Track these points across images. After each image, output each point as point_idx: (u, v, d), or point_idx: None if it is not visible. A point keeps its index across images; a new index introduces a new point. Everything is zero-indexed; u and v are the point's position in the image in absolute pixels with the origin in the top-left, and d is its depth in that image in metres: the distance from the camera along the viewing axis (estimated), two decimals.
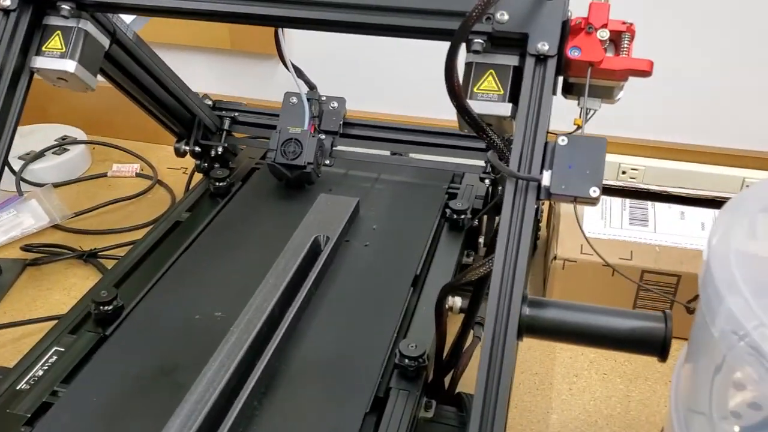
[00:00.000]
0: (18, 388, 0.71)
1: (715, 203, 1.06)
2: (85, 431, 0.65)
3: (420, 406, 0.71)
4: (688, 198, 1.08)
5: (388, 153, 1.10)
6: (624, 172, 1.25)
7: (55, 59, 0.75)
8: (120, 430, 0.65)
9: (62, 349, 0.76)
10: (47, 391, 0.70)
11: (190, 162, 1.16)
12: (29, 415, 0.67)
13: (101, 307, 0.78)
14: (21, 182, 1.27)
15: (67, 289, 1.07)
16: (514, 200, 0.59)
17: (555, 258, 0.99)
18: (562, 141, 0.59)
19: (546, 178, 0.58)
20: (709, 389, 0.54)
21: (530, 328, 0.63)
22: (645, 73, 0.62)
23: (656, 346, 0.61)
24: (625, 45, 0.63)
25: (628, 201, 1.07)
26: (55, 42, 0.75)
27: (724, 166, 1.22)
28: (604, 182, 1.14)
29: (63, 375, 0.72)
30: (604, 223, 1.02)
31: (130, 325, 0.78)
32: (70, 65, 0.74)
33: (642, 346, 0.62)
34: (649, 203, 1.06)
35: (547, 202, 1.19)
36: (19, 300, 1.05)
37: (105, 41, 0.80)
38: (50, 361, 0.74)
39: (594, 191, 0.58)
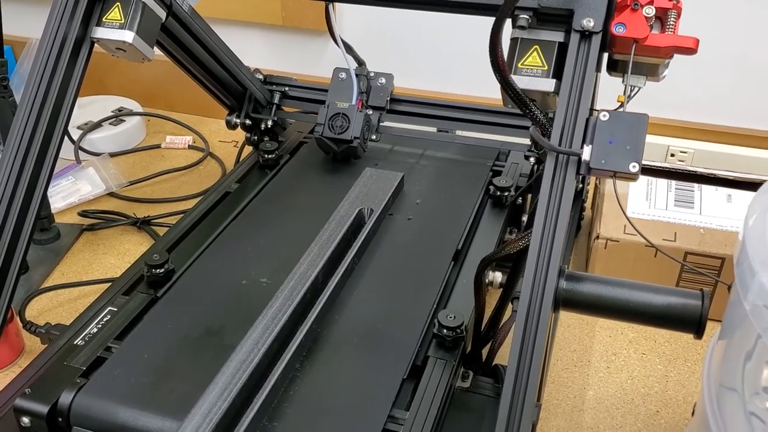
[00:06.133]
0: (75, 343, 0.74)
1: None
2: (135, 384, 0.68)
3: (457, 375, 0.73)
4: (736, 181, 1.06)
5: (434, 130, 1.11)
6: (673, 155, 1.23)
7: (114, 30, 0.78)
8: (168, 384, 0.68)
9: (116, 309, 0.79)
10: (102, 347, 0.74)
11: (240, 135, 1.19)
12: (84, 368, 0.71)
13: (153, 270, 0.82)
14: (79, 151, 1.31)
15: (121, 253, 1.12)
16: (554, 174, 0.60)
17: (597, 237, 0.99)
18: (604, 116, 0.60)
19: (586, 153, 0.59)
20: (742, 366, 0.54)
21: (567, 302, 0.64)
22: (690, 51, 0.62)
23: (693, 323, 0.61)
24: (672, 22, 0.62)
25: (674, 183, 1.06)
26: (115, 13, 0.78)
27: None
28: (652, 164, 1.13)
29: (116, 333, 0.76)
30: (649, 204, 1.02)
31: (180, 287, 0.82)
32: (128, 36, 0.78)
33: (678, 323, 0.62)
34: (696, 185, 1.05)
35: (592, 183, 1.18)
36: (76, 263, 1.10)
37: (162, 13, 0.83)
38: (104, 319, 0.78)
39: (633, 167, 0.58)
